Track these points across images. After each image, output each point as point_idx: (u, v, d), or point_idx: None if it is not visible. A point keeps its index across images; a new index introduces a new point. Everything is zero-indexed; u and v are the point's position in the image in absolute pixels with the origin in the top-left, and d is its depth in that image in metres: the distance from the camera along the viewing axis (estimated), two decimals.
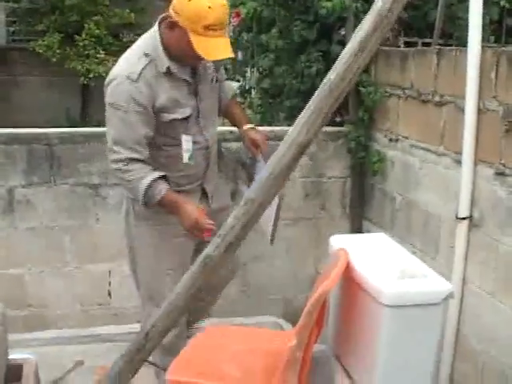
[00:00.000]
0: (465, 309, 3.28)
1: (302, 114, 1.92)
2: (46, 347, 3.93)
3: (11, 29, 10.78)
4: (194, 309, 3.19)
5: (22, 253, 4.07)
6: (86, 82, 10.07)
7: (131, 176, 2.91)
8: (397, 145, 3.98)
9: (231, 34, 4.94)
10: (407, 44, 4.45)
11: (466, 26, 3.18)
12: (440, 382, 3.37)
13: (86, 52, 9.82)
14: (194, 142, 3.04)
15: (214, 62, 3.04)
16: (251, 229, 2.08)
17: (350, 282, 2.55)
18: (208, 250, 2.05)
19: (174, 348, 2.92)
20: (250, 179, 3.22)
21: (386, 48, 4.18)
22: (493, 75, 3.04)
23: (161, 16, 2.97)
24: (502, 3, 4.28)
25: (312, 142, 1.94)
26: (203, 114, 3.07)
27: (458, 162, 3.25)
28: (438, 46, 3.69)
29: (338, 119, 4.39)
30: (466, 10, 3.22)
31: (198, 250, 3.12)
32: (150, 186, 2.88)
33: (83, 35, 9.79)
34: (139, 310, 3.48)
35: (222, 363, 2.56)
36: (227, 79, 3.56)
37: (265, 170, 1.99)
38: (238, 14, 4.40)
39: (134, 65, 2.90)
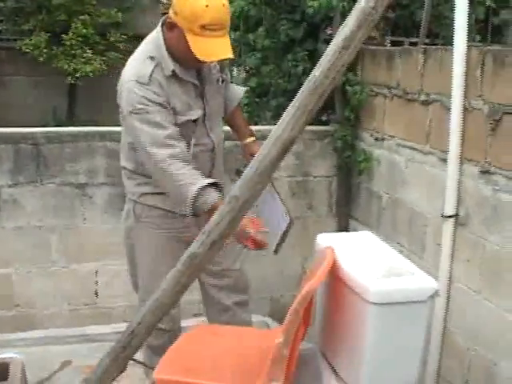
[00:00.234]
0: (451, 306, 3.30)
1: (287, 111, 1.92)
2: (33, 347, 3.93)
3: None
4: None
5: (9, 252, 4.06)
6: (72, 82, 10.02)
7: (180, 181, 2.75)
8: (383, 144, 4.00)
9: None
10: (394, 43, 4.47)
11: (452, 25, 3.19)
12: (427, 379, 3.39)
13: (73, 51, 9.77)
14: (200, 144, 2.99)
15: (218, 62, 3.00)
16: (236, 226, 2.08)
17: (336, 280, 2.56)
18: (193, 247, 2.05)
19: (163, 348, 2.93)
20: None
21: (373, 47, 4.20)
22: (478, 74, 3.06)
23: (163, 17, 2.92)
24: (487, 3, 4.31)
25: (297, 139, 1.94)
26: (209, 116, 3.01)
27: (444, 161, 3.26)
28: (424, 45, 3.71)
29: (324, 118, 4.40)
30: (452, 10, 3.23)
31: None
32: (198, 195, 2.72)
33: (70, 34, 9.74)
34: (132, 311, 3.47)
35: (210, 361, 2.56)
36: None
37: (249, 167, 2.00)
38: None
39: (141, 69, 2.83)
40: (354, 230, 4.34)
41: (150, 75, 2.81)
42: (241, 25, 4.81)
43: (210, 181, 2.76)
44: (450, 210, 3.22)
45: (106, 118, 6.08)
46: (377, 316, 2.38)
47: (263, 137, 3.22)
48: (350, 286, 2.47)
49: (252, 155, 3.18)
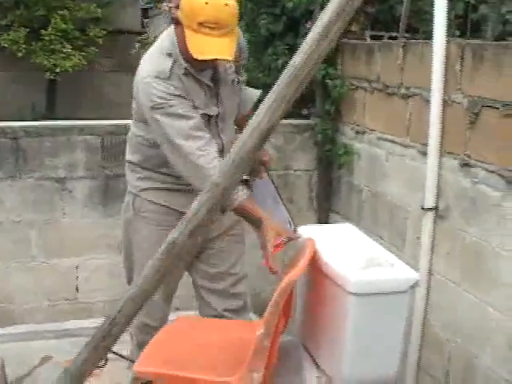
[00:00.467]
0: (431, 299, 3.32)
1: (264, 101, 1.93)
2: (12, 343, 3.91)
3: None
4: None
5: None
6: (52, 77, 9.97)
7: (211, 176, 2.51)
8: (363, 137, 4.01)
9: None
10: (373, 38, 4.48)
11: (432, 20, 3.21)
12: (407, 370, 3.41)
13: (52, 47, 9.71)
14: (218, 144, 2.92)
15: (234, 63, 2.93)
16: (215, 214, 2.08)
17: (316, 271, 2.56)
18: (172, 236, 2.05)
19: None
20: None
21: (353, 41, 4.21)
22: (458, 68, 3.08)
23: None
24: None
25: (274, 128, 1.94)
26: (222, 117, 2.96)
27: (424, 154, 3.28)
28: (403, 40, 3.72)
29: (304, 112, 4.41)
30: (432, 5, 3.25)
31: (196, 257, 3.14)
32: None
33: (49, 30, 9.67)
34: (113, 306, 3.44)
35: (190, 353, 2.56)
36: None
37: (227, 158, 1.99)
38: None
39: (160, 64, 2.78)
40: (335, 223, 4.35)
41: (170, 71, 2.76)
42: None
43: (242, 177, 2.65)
44: (429, 202, 3.24)
45: (86, 114, 6.06)
46: (357, 306, 2.38)
47: None
48: (330, 276, 2.47)
49: (261, 163, 3.16)
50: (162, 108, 2.74)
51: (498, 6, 3.96)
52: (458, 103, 3.07)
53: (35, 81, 10.31)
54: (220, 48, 2.66)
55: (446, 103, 3.16)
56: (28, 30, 9.68)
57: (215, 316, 3.18)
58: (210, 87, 2.89)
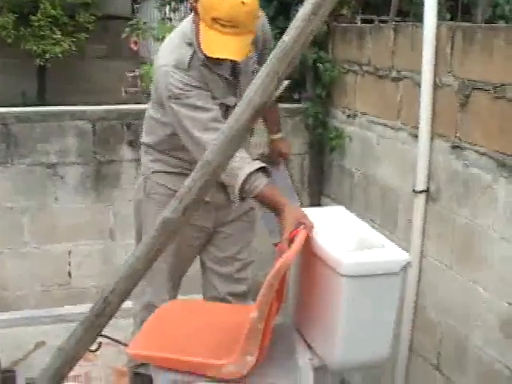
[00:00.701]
0: (423, 281, 3.34)
1: (257, 76, 1.93)
2: (6, 329, 3.92)
3: None
4: None
5: None
6: (42, 64, 9.93)
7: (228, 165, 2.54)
8: (354, 121, 4.02)
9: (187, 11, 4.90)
10: (365, 21, 4.48)
11: (422, 3, 3.21)
12: (400, 353, 3.44)
13: (42, 33, 9.67)
14: None
15: (256, 52, 2.91)
16: (208, 191, 2.08)
17: (308, 253, 2.57)
18: (165, 213, 2.06)
19: None
20: None
21: (344, 25, 4.21)
22: (448, 51, 3.08)
23: None
24: None
25: (267, 104, 1.94)
26: None
27: (415, 137, 3.29)
28: (394, 23, 3.73)
29: (296, 96, 4.41)
30: None
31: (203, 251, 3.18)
32: (247, 179, 2.58)
33: (38, 15, 9.63)
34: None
35: (184, 336, 2.57)
36: None
37: (220, 133, 1.99)
38: None
39: (180, 54, 2.75)
40: (327, 206, 4.36)
41: (190, 62, 2.73)
42: None
43: (259, 165, 2.64)
44: (421, 185, 3.26)
45: (76, 100, 6.04)
46: (349, 288, 2.39)
47: None
48: (322, 259, 2.48)
49: (280, 155, 3.23)
50: (179, 99, 2.72)
51: None
52: (449, 86, 3.08)
53: (25, 67, 10.28)
54: (231, 47, 2.60)
55: (436, 86, 3.16)
56: (16, 15, 9.62)
57: (217, 298, 3.20)
58: (228, 79, 2.87)
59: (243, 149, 2.65)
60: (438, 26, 3.14)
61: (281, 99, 3.04)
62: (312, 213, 2.80)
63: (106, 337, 2.56)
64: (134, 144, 4.14)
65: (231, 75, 2.88)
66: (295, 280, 2.81)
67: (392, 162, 3.60)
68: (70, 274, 4.26)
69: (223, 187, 2.89)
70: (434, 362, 3.26)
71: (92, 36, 10.20)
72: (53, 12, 9.66)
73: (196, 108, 2.71)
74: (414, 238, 3.32)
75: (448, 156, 3.11)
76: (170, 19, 5.19)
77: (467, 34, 2.97)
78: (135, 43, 4.48)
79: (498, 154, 2.77)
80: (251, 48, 2.77)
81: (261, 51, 2.96)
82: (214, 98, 2.80)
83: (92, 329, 2.23)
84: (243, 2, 2.53)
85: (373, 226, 3.10)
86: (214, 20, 2.55)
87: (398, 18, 4.22)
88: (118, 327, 2.74)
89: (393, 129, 3.56)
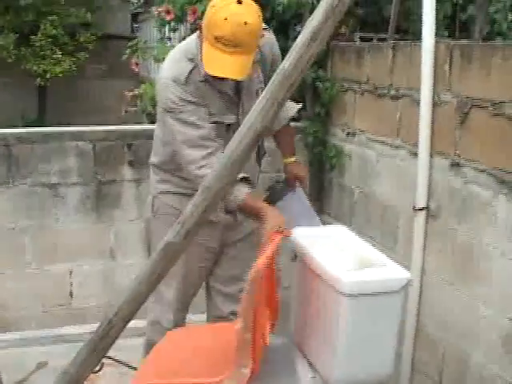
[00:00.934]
0: (424, 298, 3.33)
1: (258, 102, 1.96)
2: (7, 349, 3.92)
3: None
4: None
5: None
6: (42, 83, 9.96)
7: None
8: (354, 139, 4.03)
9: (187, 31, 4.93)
10: (363, 39, 4.50)
11: (420, 21, 3.23)
12: (402, 370, 3.43)
13: (43, 52, 9.72)
14: None
15: (262, 72, 2.94)
16: (210, 215, 2.10)
17: (309, 272, 2.58)
18: (168, 237, 2.07)
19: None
20: (272, 202, 3.19)
21: (342, 43, 4.23)
22: (446, 68, 3.10)
23: None
24: None
25: (267, 129, 1.97)
26: None
27: (415, 154, 3.30)
28: (393, 41, 3.75)
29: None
30: (420, 6, 3.27)
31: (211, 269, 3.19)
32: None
33: (39, 35, 9.68)
34: None
35: (185, 361, 2.56)
36: None
37: (222, 157, 2.01)
38: (194, 11, 4.40)
39: (179, 68, 2.79)
40: (327, 224, 4.35)
41: (188, 76, 2.76)
42: None
43: (240, 175, 2.64)
44: (421, 202, 3.26)
45: (77, 120, 6.07)
46: (350, 307, 2.40)
47: None
48: (323, 278, 2.49)
49: (296, 178, 3.23)
50: (173, 112, 2.77)
51: (485, 7, 4.00)
52: (448, 103, 3.09)
53: (25, 87, 10.32)
54: (232, 67, 2.63)
55: (435, 103, 3.18)
56: (17, 35, 9.67)
57: (221, 318, 3.21)
58: (230, 96, 2.89)
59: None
60: (436, 44, 3.16)
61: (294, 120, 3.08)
62: (312, 232, 2.82)
63: (109, 358, 2.57)
64: (134, 164, 4.16)
65: (234, 93, 2.90)
66: (296, 298, 2.82)
67: (392, 180, 3.61)
68: (71, 294, 4.26)
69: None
70: (436, 378, 3.25)
71: (92, 55, 10.25)
72: (53, 32, 9.72)
73: (188, 124, 2.75)
74: (415, 256, 3.32)
75: (447, 173, 3.12)
76: (170, 39, 5.22)
77: (465, 52, 2.99)
78: (136, 64, 4.50)
79: (498, 170, 2.77)
80: (255, 67, 2.81)
81: (269, 72, 2.95)
82: (211, 114, 2.82)
83: (96, 351, 2.24)
84: (246, 23, 2.55)
85: (373, 244, 3.11)
86: (217, 39, 2.59)
87: (396, 36, 4.24)
88: (120, 348, 2.74)
89: (392, 146, 3.57)
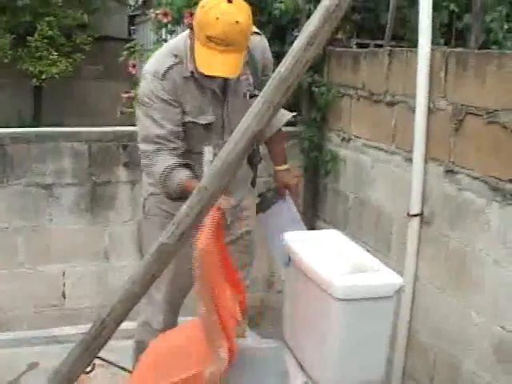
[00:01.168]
0: (417, 304, 3.34)
1: (254, 105, 1.96)
2: None
3: None
4: None
5: None
6: (38, 84, 9.95)
7: (154, 168, 2.82)
8: (349, 144, 4.04)
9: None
10: (359, 45, 4.52)
11: (417, 28, 3.24)
12: (393, 376, 3.43)
13: (39, 53, 9.71)
14: (214, 155, 2.97)
15: (252, 76, 2.97)
16: (204, 217, 2.11)
17: (302, 276, 2.58)
18: (163, 238, 2.07)
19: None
20: (261, 210, 3.29)
21: (339, 49, 4.24)
22: (442, 75, 3.11)
23: None
24: (451, 7, 4.38)
25: (263, 132, 1.98)
26: (229, 128, 2.92)
27: (409, 161, 3.31)
28: (389, 48, 3.76)
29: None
30: (417, 13, 3.28)
31: None
32: (166, 173, 2.76)
33: (35, 36, 9.67)
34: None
35: (170, 363, 2.55)
36: None
37: (217, 159, 2.02)
38: (191, 14, 4.40)
39: (161, 63, 2.84)
40: (321, 229, 4.37)
41: (166, 71, 2.81)
42: None
43: (181, 161, 2.77)
44: (415, 209, 3.27)
45: (72, 121, 6.06)
46: (343, 312, 2.41)
47: None
48: (316, 282, 2.49)
49: (286, 186, 3.25)
50: (145, 106, 2.83)
51: (481, 16, 4.01)
52: (443, 110, 3.11)
53: (21, 87, 10.30)
54: (225, 65, 2.67)
55: (430, 110, 3.19)
56: (14, 36, 9.66)
57: None
58: (217, 94, 2.92)
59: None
60: (432, 51, 3.17)
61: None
62: (306, 236, 2.82)
63: (100, 359, 2.56)
64: (129, 165, 4.16)
65: (220, 91, 2.92)
66: (289, 302, 2.82)
67: (386, 186, 3.62)
68: (64, 295, 4.25)
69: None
70: None
71: (88, 57, 10.24)
72: (50, 33, 9.71)
73: (153, 121, 2.81)
74: (408, 262, 3.33)
75: (442, 180, 3.13)
76: (166, 41, 5.22)
77: (461, 60, 3.00)
78: (133, 66, 4.50)
79: (491, 178, 2.78)
80: (244, 68, 2.83)
81: (260, 77, 3.00)
82: (185, 113, 2.87)
83: (89, 351, 2.23)
84: (237, 21, 2.59)
85: (366, 249, 3.11)
86: (209, 38, 2.62)
87: (392, 43, 4.25)
88: (111, 349, 2.74)
89: (387, 152, 3.58)
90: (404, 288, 2.59)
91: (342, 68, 4.15)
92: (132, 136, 4.13)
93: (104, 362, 2.82)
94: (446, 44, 4.25)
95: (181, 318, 3.30)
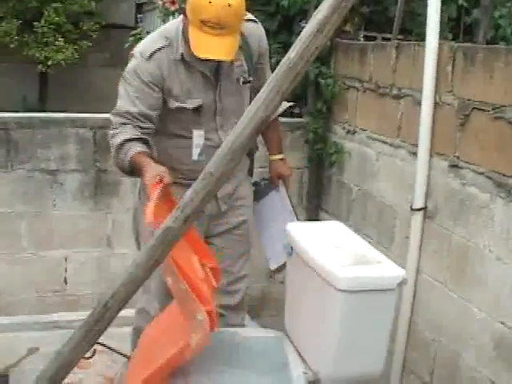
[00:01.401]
0: (418, 298, 3.34)
1: (262, 90, 1.96)
2: (0, 334, 3.91)
3: None
4: None
5: None
6: (44, 70, 9.94)
7: (113, 140, 2.86)
8: (354, 137, 4.03)
9: None
10: (367, 38, 4.51)
11: (425, 22, 3.23)
12: (393, 369, 3.43)
13: (45, 39, 9.70)
14: (207, 139, 2.97)
15: (247, 63, 3.00)
16: (209, 201, 2.11)
17: (305, 267, 2.58)
18: (167, 222, 2.08)
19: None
20: (255, 199, 3.30)
21: (346, 41, 4.23)
22: (449, 70, 3.10)
23: None
24: (459, 1, 4.36)
25: (270, 118, 1.99)
26: (221, 113, 2.98)
27: (414, 154, 3.30)
28: (396, 41, 3.75)
29: (296, 111, 4.43)
30: (425, 7, 3.27)
31: None
32: (120, 146, 2.81)
33: (42, 22, 9.65)
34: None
35: (157, 348, 2.56)
36: None
37: (224, 144, 2.02)
38: (173, 2, 4.42)
39: (151, 44, 2.89)
40: (324, 221, 4.36)
41: (154, 53, 2.85)
42: None
43: (139, 135, 2.82)
44: (418, 202, 3.27)
45: (77, 108, 6.05)
46: (345, 303, 2.41)
47: None
48: (318, 273, 2.49)
49: (279, 177, 3.27)
50: (125, 82, 2.89)
51: (490, 11, 4.00)
52: (449, 105, 3.10)
53: (27, 73, 10.29)
54: (219, 48, 2.70)
55: (436, 104, 3.18)
56: (20, 21, 9.64)
57: None
58: (209, 78, 2.93)
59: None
60: (440, 46, 3.16)
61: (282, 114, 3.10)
62: (309, 227, 2.82)
63: (101, 344, 2.56)
64: None
65: (213, 74, 2.94)
66: (291, 293, 2.83)
67: (390, 179, 3.61)
68: (65, 281, 4.26)
69: (215, 197, 2.95)
70: (427, 379, 3.26)
71: (94, 44, 10.23)
72: (56, 19, 9.69)
73: (128, 97, 2.86)
74: (411, 255, 3.32)
75: (446, 174, 3.12)
76: None
77: (468, 55, 3.00)
78: None
79: (496, 174, 2.78)
80: (238, 53, 2.86)
81: (255, 64, 3.03)
82: (174, 97, 2.90)
83: (91, 334, 2.24)
84: (230, 4, 2.64)
85: (369, 242, 3.11)
86: (203, 22, 2.66)
87: (400, 36, 4.24)
88: (112, 336, 2.75)
89: (392, 146, 3.58)
90: (406, 281, 2.58)
91: (349, 60, 4.14)
92: None
93: (104, 349, 2.84)
94: (454, 39, 4.23)
95: None
